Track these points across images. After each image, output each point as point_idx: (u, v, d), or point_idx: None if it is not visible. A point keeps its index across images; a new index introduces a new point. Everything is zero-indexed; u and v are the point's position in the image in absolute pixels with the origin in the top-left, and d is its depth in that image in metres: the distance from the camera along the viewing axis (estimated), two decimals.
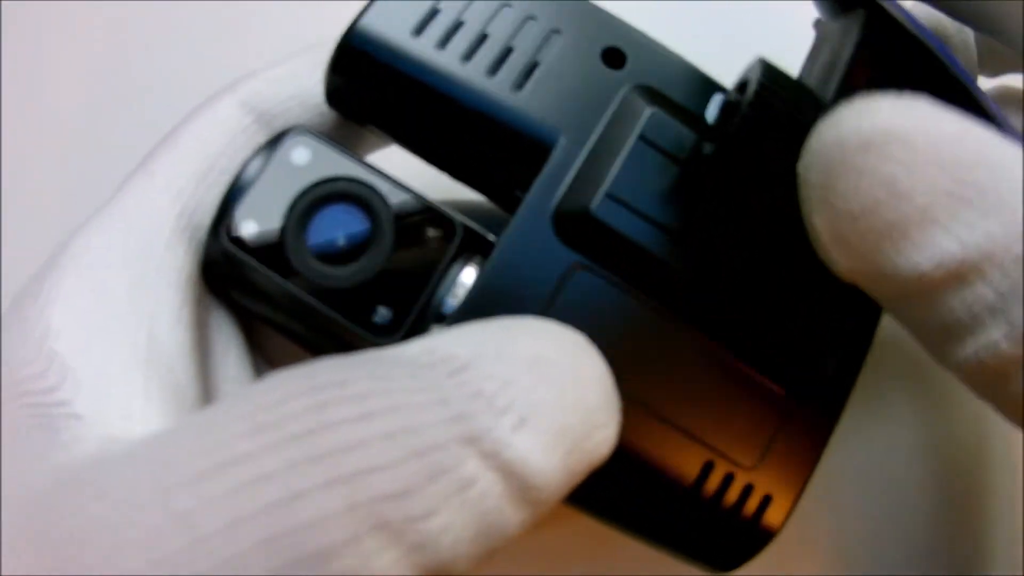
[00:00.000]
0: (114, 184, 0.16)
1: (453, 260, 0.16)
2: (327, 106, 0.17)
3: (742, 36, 0.25)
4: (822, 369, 0.17)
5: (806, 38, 0.18)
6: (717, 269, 0.16)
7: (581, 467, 0.13)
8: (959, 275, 0.13)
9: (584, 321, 0.14)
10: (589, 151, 0.16)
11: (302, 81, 0.17)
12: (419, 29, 0.16)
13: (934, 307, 0.13)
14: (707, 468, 0.16)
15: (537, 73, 0.17)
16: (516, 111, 0.16)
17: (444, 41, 0.16)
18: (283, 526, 0.11)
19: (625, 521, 0.16)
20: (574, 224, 0.16)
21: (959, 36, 0.20)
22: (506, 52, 0.17)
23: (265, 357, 0.18)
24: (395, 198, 0.16)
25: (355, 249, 0.16)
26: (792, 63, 0.18)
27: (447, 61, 0.16)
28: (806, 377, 0.16)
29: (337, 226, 0.15)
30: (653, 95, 0.17)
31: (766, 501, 0.16)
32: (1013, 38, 0.18)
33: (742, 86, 0.16)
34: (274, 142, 0.16)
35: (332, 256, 0.15)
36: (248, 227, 0.15)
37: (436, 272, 0.16)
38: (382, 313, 0.15)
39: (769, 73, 0.15)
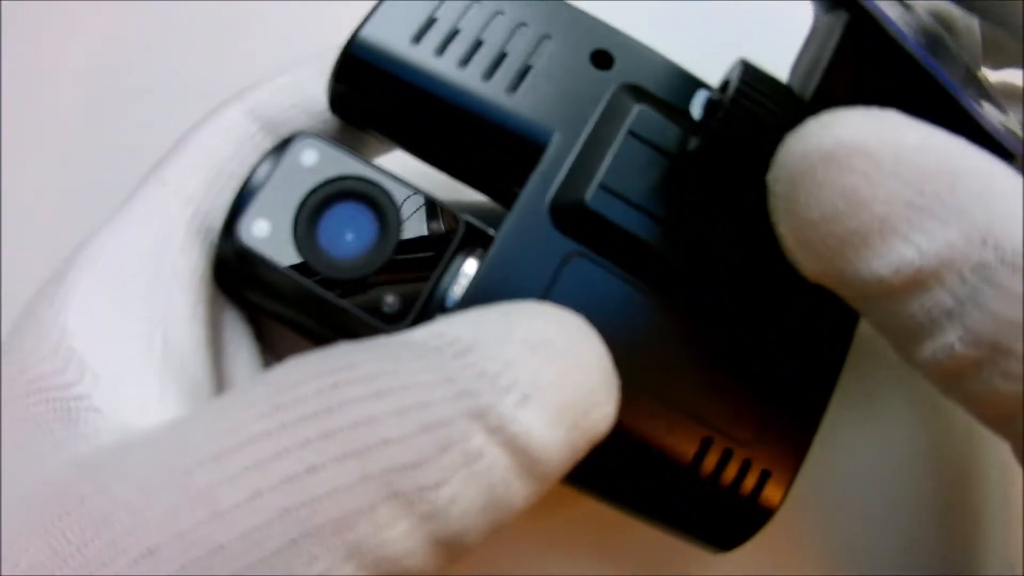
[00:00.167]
0: (114, 184, 0.17)
1: (456, 252, 0.16)
2: (330, 113, 0.18)
3: (730, 36, 0.26)
4: (814, 346, 0.17)
5: (797, 37, 0.19)
6: (706, 254, 0.17)
7: (582, 443, 0.13)
8: (918, 281, 0.13)
9: (581, 306, 0.15)
10: (581, 147, 0.17)
11: (306, 89, 0.18)
12: (418, 37, 0.17)
13: (895, 310, 0.14)
14: (705, 445, 0.16)
15: (530, 76, 0.17)
16: (511, 112, 0.17)
17: (442, 48, 0.17)
18: (299, 498, 0.11)
19: (627, 500, 0.17)
20: (570, 215, 0.16)
21: (964, 22, 0.20)
22: (500, 57, 0.17)
23: (276, 354, 0.18)
24: (400, 195, 0.16)
25: (363, 244, 0.16)
26: (782, 62, 0.18)
27: (445, 67, 0.17)
28: (798, 353, 0.17)
29: (346, 222, 0.16)
30: (640, 93, 0.18)
31: (764, 477, 0.16)
32: (1017, 29, 0.18)
33: (725, 86, 0.17)
34: (283, 146, 0.16)
35: (342, 251, 0.16)
36: (260, 226, 0.16)
37: (440, 264, 0.16)
38: (390, 303, 0.16)
39: (749, 73, 0.16)
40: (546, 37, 0.18)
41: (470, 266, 0.16)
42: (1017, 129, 0.16)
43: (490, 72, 0.17)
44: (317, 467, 0.12)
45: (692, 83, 0.18)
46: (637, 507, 0.17)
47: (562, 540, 0.22)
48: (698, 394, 0.16)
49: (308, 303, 0.16)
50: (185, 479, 0.12)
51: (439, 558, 0.12)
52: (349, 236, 0.16)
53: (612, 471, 0.16)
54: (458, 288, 0.16)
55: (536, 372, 0.13)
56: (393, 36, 0.17)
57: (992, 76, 0.22)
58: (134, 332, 0.15)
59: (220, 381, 0.17)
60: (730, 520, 0.17)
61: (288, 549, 0.11)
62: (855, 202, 0.13)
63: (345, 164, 0.16)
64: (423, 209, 0.17)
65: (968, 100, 0.15)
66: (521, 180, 0.17)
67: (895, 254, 0.13)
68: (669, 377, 0.16)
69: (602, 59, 0.18)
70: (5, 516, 0.13)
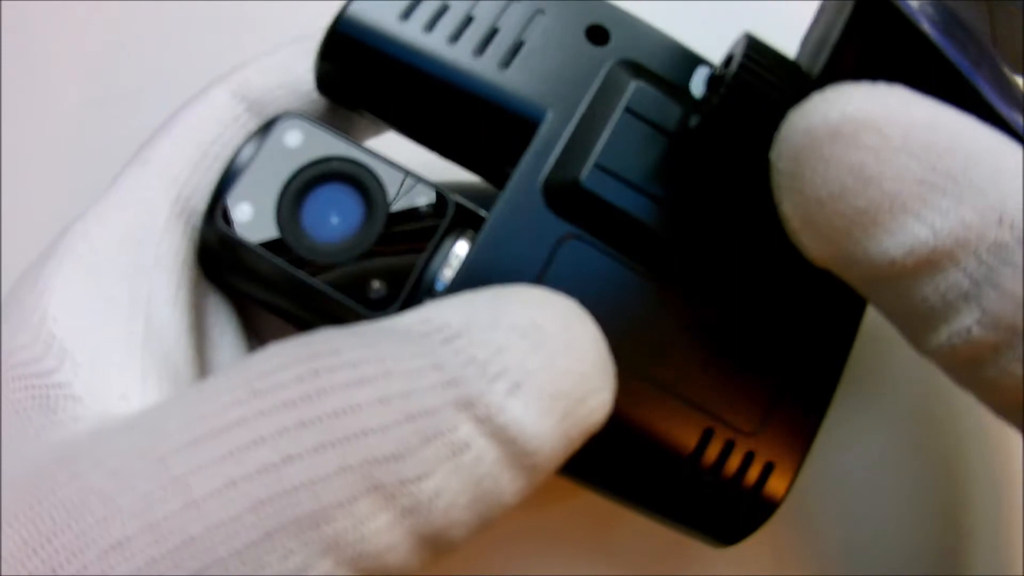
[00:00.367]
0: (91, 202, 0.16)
1: (445, 235, 0.16)
2: (318, 94, 0.17)
3: (733, 12, 0.25)
4: (817, 334, 0.16)
5: (804, 15, 0.18)
6: (706, 237, 0.16)
7: (576, 433, 0.12)
8: (932, 262, 0.13)
9: (576, 290, 0.14)
10: (576, 125, 0.16)
11: (292, 70, 0.17)
12: (406, 14, 0.16)
13: (907, 294, 0.13)
14: (707, 435, 0.15)
15: (522, 52, 0.17)
16: (503, 89, 0.16)
17: (431, 25, 0.16)
18: (276, 489, 0.11)
19: (626, 493, 0.16)
20: (564, 195, 0.16)
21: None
22: (491, 33, 0.17)
23: (260, 340, 0.18)
24: (387, 176, 0.16)
25: (349, 227, 0.15)
26: (789, 40, 0.18)
27: (434, 44, 0.16)
28: (801, 342, 0.16)
29: (331, 205, 0.15)
30: (637, 69, 0.17)
31: (768, 469, 0.16)
32: None
33: (728, 60, 0.16)
34: (267, 127, 0.16)
35: (326, 234, 0.15)
36: (243, 210, 0.15)
37: (429, 247, 0.16)
38: (377, 288, 0.15)
39: (754, 48, 0.15)
40: (539, 12, 0.17)
41: (461, 248, 0.16)
42: None
43: (481, 48, 0.17)
44: (294, 457, 0.11)
45: (692, 59, 0.17)
46: (636, 500, 0.16)
47: (556, 534, 0.21)
48: (699, 382, 0.16)
49: (292, 289, 0.15)
50: (159, 466, 0.11)
51: (423, 554, 0.12)
52: (334, 219, 0.15)
53: (609, 462, 0.16)
54: (448, 271, 0.15)
55: (527, 358, 0.12)
56: (381, 12, 0.16)
57: None
58: (116, 317, 0.14)
59: (204, 367, 0.16)
60: (732, 513, 0.16)
61: (262, 542, 0.11)
62: (863, 178, 0.13)
63: (330, 145, 0.16)
64: (411, 190, 0.16)
65: (980, 80, 0.15)
66: (514, 159, 0.16)
67: (907, 233, 0.12)
68: (668, 364, 0.16)
69: (598, 34, 0.17)
70: None
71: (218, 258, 0.16)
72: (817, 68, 0.16)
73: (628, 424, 0.15)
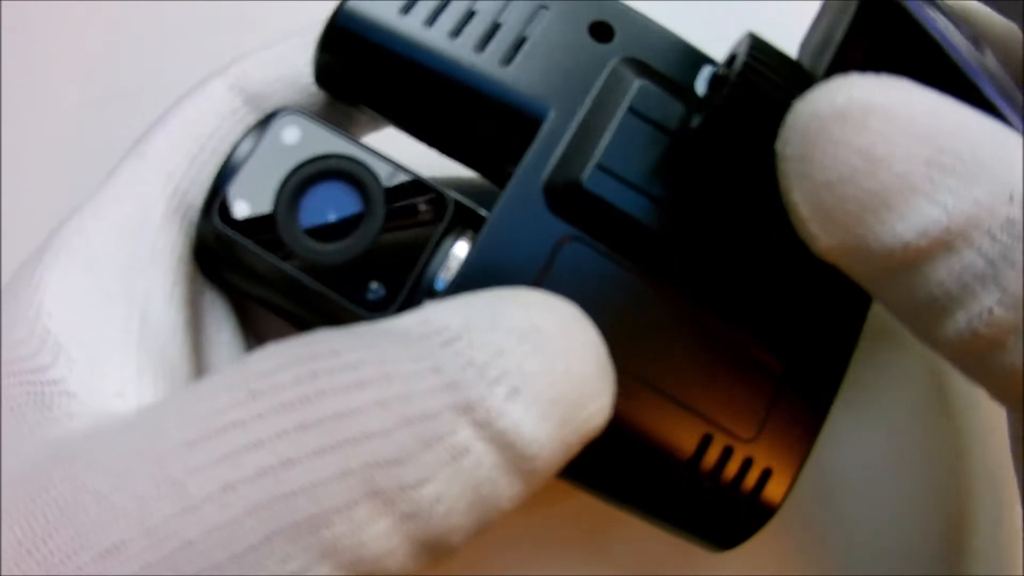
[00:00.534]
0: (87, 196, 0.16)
1: (445, 235, 0.15)
2: (316, 87, 0.17)
3: (737, 10, 0.25)
4: (817, 340, 0.16)
5: (806, 15, 0.18)
6: (708, 240, 0.16)
7: (576, 437, 0.12)
8: (945, 243, 0.12)
9: (576, 292, 0.14)
10: (579, 124, 0.16)
11: (291, 63, 0.17)
12: (407, 7, 0.16)
13: (921, 280, 0.13)
14: (705, 441, 0.15)
15: (525, 48, 0.16)
16: (505, 85, 0.16)
17: (432, 19, 0.16)
18: (274, 493, 0.11)
19: (623, 497, 0.16)
20: (565, 196, 0.15)
21: (1004, 30, 0.19)
22: (494, 28, 0.16)
23: (258, 337, 0.17)
24: (386, 175, 0.15)
25: (347, 226, 0.15)
26: (790, 39, 0.17)
27: (436, 38, 0.16)
28: (802, 348, 0.16)
29: (328, 203, 0.15)
30: (642, 68, 0.16)
31: (766, 475, 0.15)
32: None
33: (731, 60, 0.16)
34: (264, 122, 0.15)
35: (324, 233, 0.15)
36: (239, 207, 0.15)
37: (428, 247, 0.15)
38: (375, 289, 0.15)
39: (758, 47, 0.15)
40: (542, 7, 0.16)
41: (460, 249, 0.15)
42: None
43: (483, 43, 0.16)
44: (293, 460, 0.11)
45: (697, 58, 0.17)
46: (633, 504, 0.16)
47: (553, 537, 0.21)
48: (698, 387, 0.15)
49: (289, 288, 0.15)
50: (156, 468, 0.11)
51: (421, 559, 0.12)
52: (332, 217, 0.15)
53: (607, 466, 0.15)
54: (447, 272, 0.15)
55: (526, 362, 0.12)
56: (382, 6, 0.16)
57: None
58: (111, 313, 0.14)
59: (200, 363, 0.16)
60: (730, 518, 0.16)
61: (260, 547, 0.11)
62: (873, 160, 0.12)
63: (328, 142, 0.15)
64: (410, 189, 0.15)
65: (983, 80, 0.14)
66: (515, 157, 0.16)
67: (920, 214, 0.12)
68: (668, 369, 0.15)
69: (602, 31, 0.17)
70: None
71: (214, 255, 0.15)
72: (822, 68, 0.16)
73: (627, 428, 0.15)
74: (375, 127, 0.19)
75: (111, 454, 0.11)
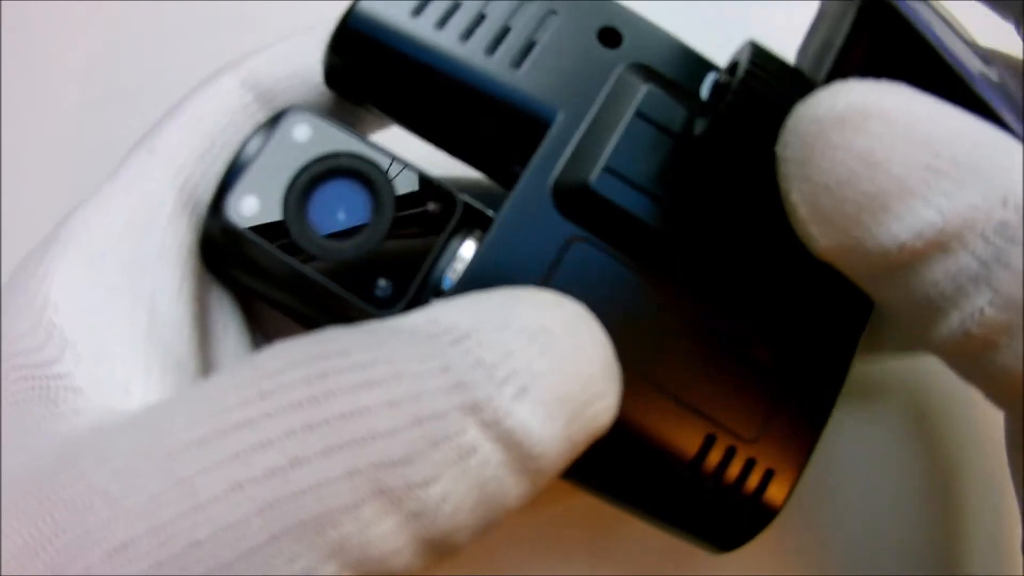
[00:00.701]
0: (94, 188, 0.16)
1: (453, 234, 0.15)
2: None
3: (739, 17, 0.25)
4: (820, 342, 0.16)
5: (805, 18, 0.18)
6: (713, 242, 0.16)
7: (582, 437, 0.12)
8: (940, 245, 0.12)
9: (583, 293, 0.14)
10: (587, 127, 0.16)
11: (303, 60, 0.17)
12: (418, 10, 0.16)
13: (916, 281, 0.13)
14: (708, 441, 0.15)
15: (534, 52, 0.16)
16: (514, 89, 0.16)
17: (442, 21, 0.16)
18: (282, 492, 0.10)
19: (625, 497, 0.16)
20: (573, 197, 0.15)
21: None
22: (503, 32, 0.16)
23: (263, 333, 0.17)
24: (396, 174, 0.15)
25: (356, 224, 0.15)
26: (790, 42, 0.17)
27: (446, 41, 0.16)
28: (804, 349, 0.16)
29: (338, 201, 0.15)
30: (649, 73, 0.16)
31: (768, 476, 0.15)
32: None
33: (733, 67, 0.16)
34: (275, 120, 0.15)
35: (333, 231, 0.15)
36: (249, 203, 0.15)
37: (436, 246, 0.15)
38: (383, 287, 0.15)
39: (758, 55, 0.15)
40: (552, 12, 0.16)
41: (467, 249, 0.15)
42: None
43: (493, 47, 0.16)
44: (301, 460, 0.11)
45: (703, 64, 0.17)
46: (635, 504, 0.16)
47: (553, 538, 0.21)
48: (702, 388, 0.15)
49: (297, 285, 0.15)
50: (165, 467, 0.11)
51: (426, 558, 0.11)
52: (341, 215, 0.15)
53: (610, 466, 0.15)
54: (455, 271, 0.15)
55: (535, 362, 0.12)
56: (393, 7, 0.16)
57: None
58: (118, 308, 0.14)
59: (207, 359, 0.16)
60: (732, 520, 0.16)
61: (268, 546, 0.10)
62: (871, 164, 0.12)
63: (339, 140, 0.15)
64: (419, 188, 0.15)
65: (981, 84, 0.15)
66: (523, 160, 0.16)
67: (916, 216, 0.12)
68: (672, 369, 0.15)
69: (610, 37, 0.17)
70: None
71: (222, 251, 0.15)
72: (822, 73, 0.16)
73: (631, 429, 0.15)
74: (381, 126, 0.19)
75: (118, 452, 0.11)
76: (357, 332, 0.12)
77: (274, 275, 0.15)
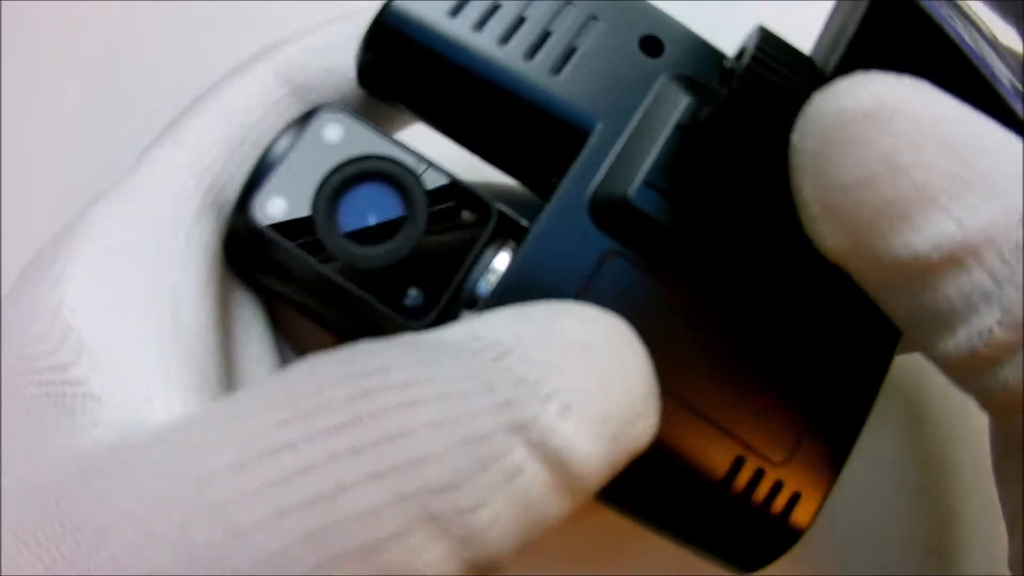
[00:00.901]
0: (114, 181, 0.15)
1: (487, 244, 0.15)
2: None
3: (749, 13, 0.25)
4: (851, 365, 0.16)
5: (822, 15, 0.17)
6: (750, 261, 0.15)
7: (623, 456, 0.12)
8: (956, 259, 0.12)
9: (617, 308, 0.13)
10: (627, 138, 0.15)
11: (340, 53, 0.16)
12: (456, 10, 0.15)
13: (927, 293, 0.12)
14: (738, 462, 0.15)
15: (575, 58, 0.15)
16: (553, 95, 0.15)
17: (481, 23, 0.15)
18: (328, 519, 0.10)
19: (651, 516, 0.15)
20: (611, 210, 0.15)
21: None
22: (544, 36, 0.15)
23: (286, 336, 0.16)
24: (429, 179, 0.15)
25: (387, 229, 0.14)
26: (808, 41, 0.17)
27: (484, 43, 0.15)
28: (835, 373, 0.15)
29: (369, 205, 0.14)
30: (691, 84, 0.16)
31: (794, 499, 0.15)
32: None
33: (741, 54, 0.15)
34: (305, 118, 0.14)
35: (363, 236, 0.14)
36: (276, 204, 0.14)
37: (469, 256, 0.14)
38: (413, 295, 0.14)
39: (766, 40, 0.14)
40: (593, 18, 0.16)
41: (501, 260, 0.15)
42: None
43: (532, 51, 0.15)
44: (347, 486, 0.10)
45: None
46: (661, 522, 0.15)
47: (565, 554, 0.20)
48: (734, 409, 0.15)
49: (324, 290, 0.14)
50: (198, 491, 0.10)
51: None
52: (372, 220, 0.14)
53: (640, 484, 0.15)
54: (488, 282, 0.14)
55: (579, 379, 0.11)
56: (430, 7, 0.15)
57: None
58: (139, 311, 0.13)
59: (229, 367, 0.15)
60: (756, 540, 0.15)
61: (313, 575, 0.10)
62: (894, 167, 0.12)
63: (372, 142, 0.14)
64: (453, 195, 0.15)
65: (998, 80, 0.14)
66: (559, 169, 0.15)
67: (936, 228, 0.12)
68: (705, 389, 0.15)
69: (652, 45, 0.16)
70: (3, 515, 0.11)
71: (246, 252, 0.14)
72: (832, 63, 0.15)
73: (662, 448, 0.14)
74: (411, 124, 0.18)
75: (147, 475, 0.10)
76: (397, 347, 0.11)
77: (300, 279, 0.14)
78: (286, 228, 0.14)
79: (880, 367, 0.16)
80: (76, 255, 0.13)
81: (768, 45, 0.14)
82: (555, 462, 0.11)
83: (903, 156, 0.12)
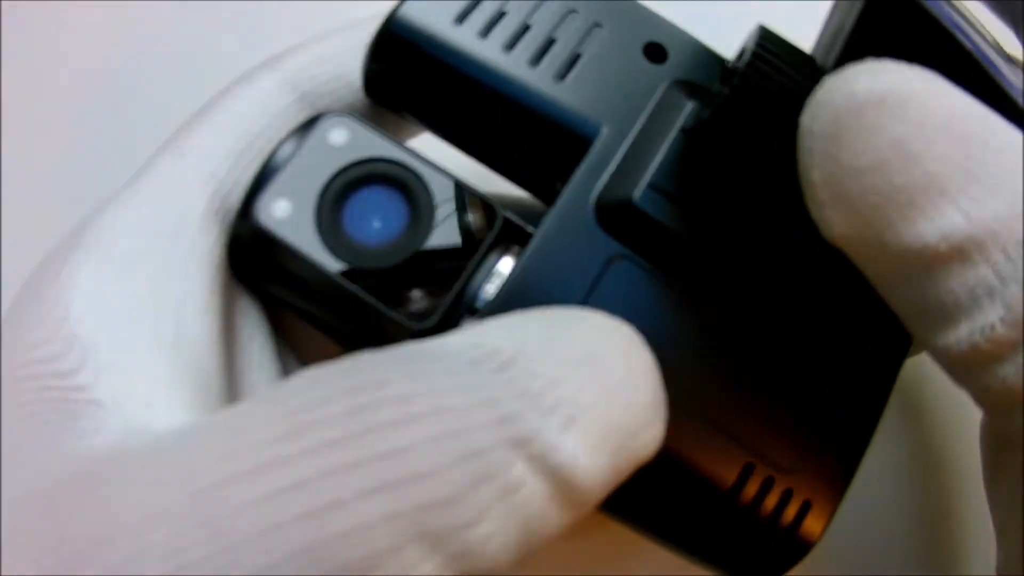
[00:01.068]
0: (115, 184, 0.15)
1: (492, 248, 0.14)
2: None
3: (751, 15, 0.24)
4: (860, 372, 0.15)
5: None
6: (757, 264, 0.15)
7: (627, 466, 0.11)
8: (962, 252, 0.12)
9: (623, 312, 0.13)
10: (631, 143, 0.15)
11: (348, 61, 0.16)
12: (461, 18, 0.15)
13: (930, 284, 0.12)
14: (747, 471, 0.14)
15: (579, 65, 0.15)
16: (558, 102, 0.15)
17: (486, 31, 0.15)
18: (320, 535, 0.10)
19: (658, 528, 0.15)
20: (616, 214, 0.14)
21: None
22: (548, 43, 0.15)
23: (291, 346, 0.16)
24: (434, 183, 0.14)
25: (391, 232, 0.14)
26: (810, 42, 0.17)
27: (489, 51, 0.15)
28: (845, 379, 0.15)
29: (374, 208, 0.14)
30: (695, 89, 0.16)
31: (805, 508, 0.14)
32: None
33: (742, 54, 0.15)
34: (311, 122, 0.14)
35: (367, 238, 0.14)
36: (280, 206, 0.14)
37: (474, 260, 0.14)
38: (417, 299, 0.14)
39: (766, 38, 0.14)
40: (597, 25, 0.16)
41: (505, 265, 0.14)
42: None
43: (537, 58, 0.15)
44: (340, 502, 0.10)
45: None
46: (667, 534, 0.15)
47: (568, 570, 0.20)
48: (742, 415, 0.14)
49: (326, 293, 0.14)
50: (193, 504, 0.10)
51: None
52: (376, 223, 0.14)
53: (646, 494, 0.14)
54: (491, 287, 0.14)
55: (583, 390, 0.11)
56: (435, 16, 0.15)
57: None
58: (143, 319, 0.13)
59: (232, 375, 0.15)
60: (766, 552, 0.14)
61: None
62: (905, 154, 0.12)
63: (376, 146, 0.14)
64: (458, 199, 0.15)
65: (999, 71, 0.14)
66: (564, 175, 0.15)
67: (944, 219, 0.12)
68: (713, 395, 0.14)
69: (655, 52, 0.16)
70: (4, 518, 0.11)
71: (250, 256, 0.14)
72: (832, 58, 0.15)
73: (669, 457, 0.14)
74: (417, 133, 0.18)
75: (144, 485, 0.10)
76: (395, 359, 0.11)
77: (303, 282, 0.14)
78: (291, 230, 0.14)
79: (890, 372, 0.15)
80: (82, 263, 0.13)
81: (768, 43, 0.14)
82: (556, 476, 0.10)
83: (915, 144, 0.12)
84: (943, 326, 0.12)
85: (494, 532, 0.10)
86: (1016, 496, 0.13)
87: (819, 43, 0.16)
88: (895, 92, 0.12)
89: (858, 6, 0.14)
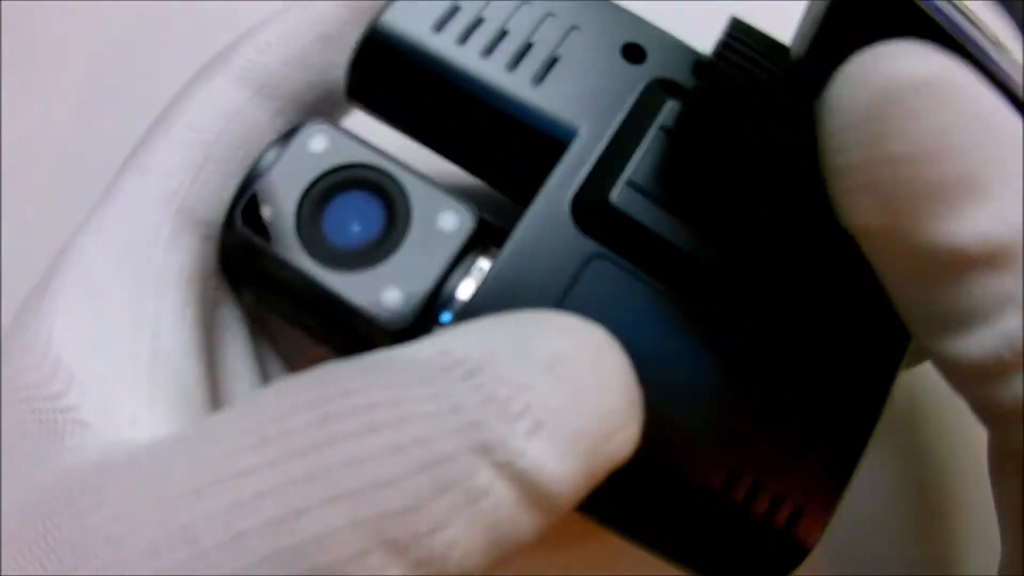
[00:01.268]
0: (89, 210, 0.15)
1: (468, 249, 0.14)
2: (327, 65, 0.16)
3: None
4: (855, 373, 0.14)
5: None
6: (740, 261, 0.14)
7: (600, 470, 0.11)
8: (992, 258, 0.11)
9: (602, 313, 0.12)
10: (609, 142, 0.15)
11: (296, 42, 0.15)
12: (440, 25, 0.15)
13: (953, 287, 0.11)
14: (733, 474, 0.14)
15: (557, 68, 0.15)
16: (536, 106, 0.15)
17: (465, 37, 0.15)
18: (285, 543, 0.10)
19: (644, 535, 0.14)
20: (593, 213, 0.14)
21: None
22: (526, 47, 0.15)
23: (280, 353, 0.16)
24: (411, 186, 0.14)
25: (370, 235, 0.14)
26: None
27: (468, 56, 0.15)
28: (839, 380, 0.14)
29: (353, 212, 0.14)
30: (674, 88, 0.15)
31: (798, 513, 0.14)
32: None
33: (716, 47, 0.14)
34: (291, 132, 0.15)
35: (346, 242, 0.14)
36: (263, 214, 0.14)
37: (449, 260, 0.14)
38: (393, 298, 0.14)
39: (737, 28, 0.14)
40: (574, 28, 0.15)
41: (482, 265, 0.14)
42: None
43: (515, 63, 0.15)
44: (303, 510, 0.10)
45: None
46: (651, 542, 0.15)
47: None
48: (728, 416, 0.14)
49: (307, 295, 0.14)
50: (166, 513, 0.10)
51: None
52: (355, 227, 0.14)
53: (628, 500, 0.14)
54: (468, 287, 0.14)
55: (551, 394, 0.11)
56: (415, 23, 0.15)
57: None
58: (121, 338, 0.13)
59: (215, 383, 0.15)
60: (758, 561, 0.14)
61: None
62: (948, 147, 0.11)
63: (355, 152, 0.14)
64: (436, 202, 0.14)
65: (994, 62, 0.13)
66: (541, 180, 0.15)
67: (981, 220, 0.11)
68: (696, 396, 0.14)
69: (634, 52, 0.16)
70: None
71: (237, 265, 0.14)
72: (806, 45, 0.13)
73: (651, 460, 0.13)
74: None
75: (121, 496, 0.11)
76: (363, 369, 0.11)
77: (287, 286, 0.14)
78: (272, 235, 0.14)
79: (886, 375, 0.15)
80: (60, 288, 0.13)
81: (740, 32, 0.14)
82: (523, 482, 0.10)
83: (957, 137, 0.11)
84: (957, 332, 0.11)
85: (459, 538, 0.10)
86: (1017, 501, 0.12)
87: (795, 39, 0.16)
88: (938, 79, 0.11)
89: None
